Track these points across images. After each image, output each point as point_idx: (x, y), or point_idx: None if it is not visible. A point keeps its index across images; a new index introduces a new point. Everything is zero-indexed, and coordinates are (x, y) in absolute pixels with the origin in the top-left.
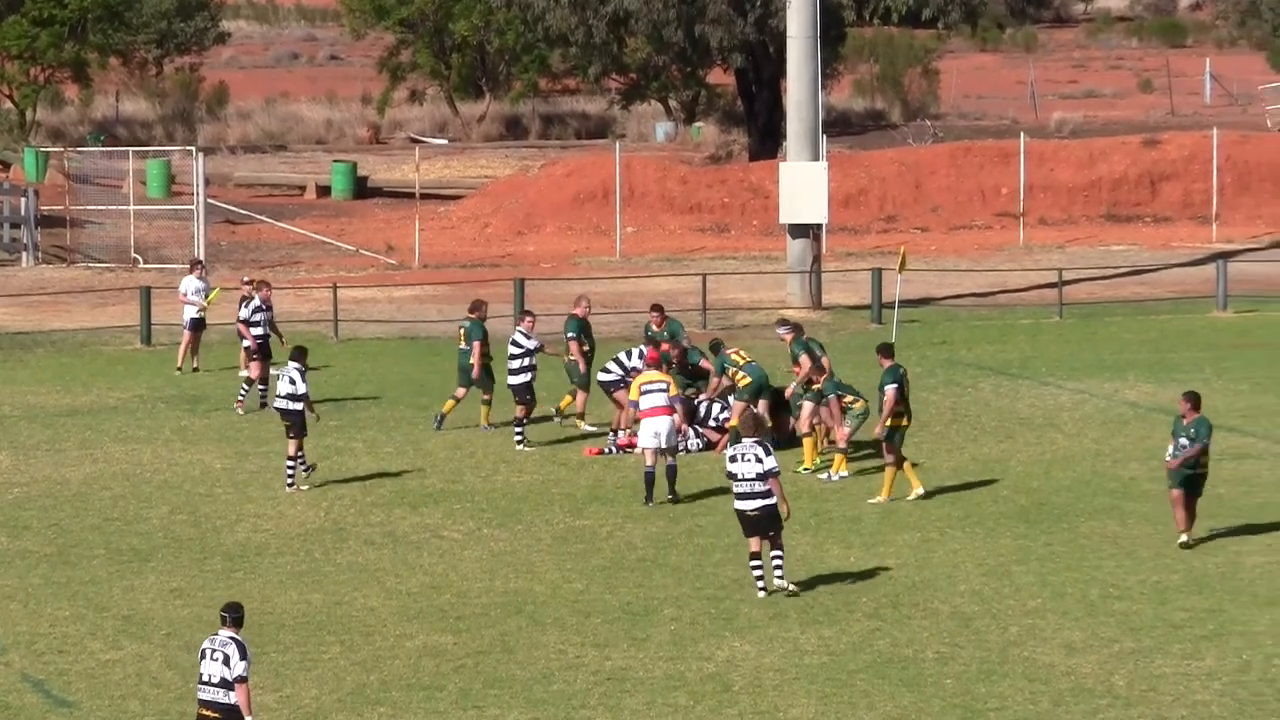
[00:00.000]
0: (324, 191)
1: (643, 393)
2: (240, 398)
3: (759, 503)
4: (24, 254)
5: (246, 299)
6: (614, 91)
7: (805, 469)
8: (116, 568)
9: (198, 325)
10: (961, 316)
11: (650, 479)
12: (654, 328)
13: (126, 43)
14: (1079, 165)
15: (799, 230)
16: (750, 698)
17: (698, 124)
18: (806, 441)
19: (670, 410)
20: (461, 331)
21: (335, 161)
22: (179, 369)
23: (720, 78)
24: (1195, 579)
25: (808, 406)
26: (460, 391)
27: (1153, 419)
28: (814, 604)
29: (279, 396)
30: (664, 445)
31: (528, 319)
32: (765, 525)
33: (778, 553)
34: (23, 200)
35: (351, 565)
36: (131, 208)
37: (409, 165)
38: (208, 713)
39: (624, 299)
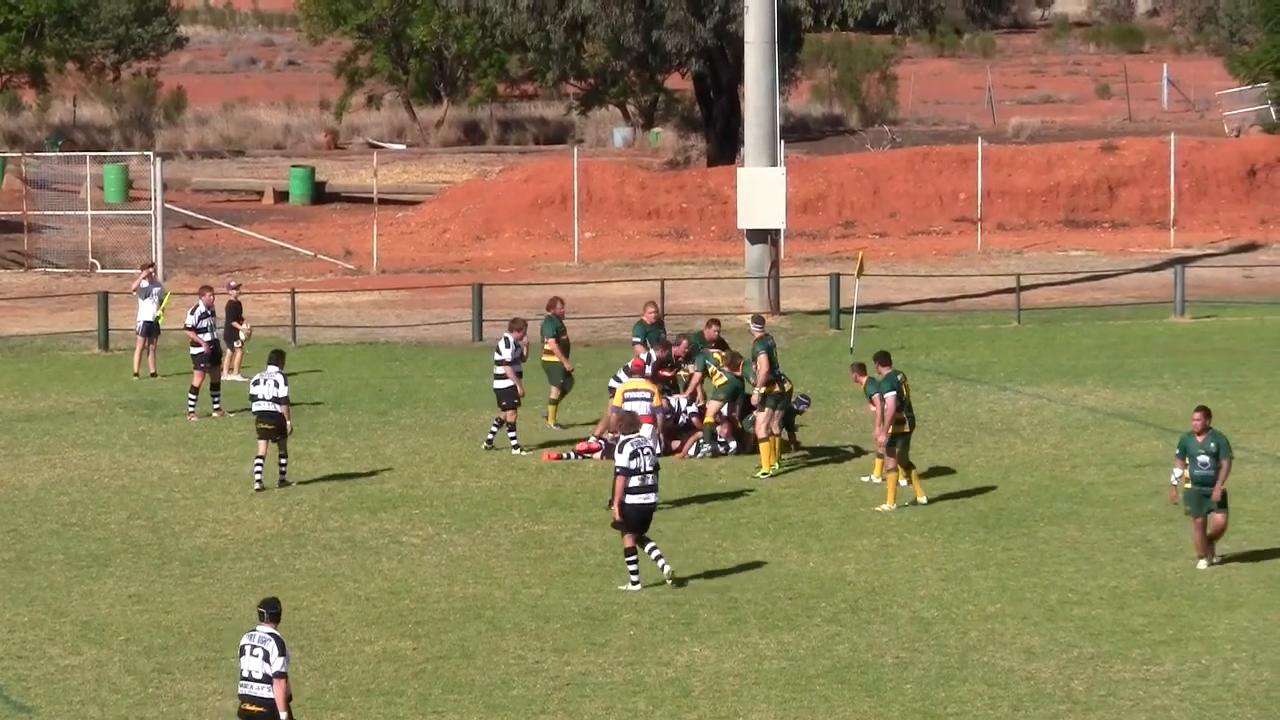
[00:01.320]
0: (282, 197)
1: (626, 400)
2: (190, 408)
3: (655, 497)
4: None
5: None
6: (572, 96)
7: (763, 473)
8: (75, 573)
9: (150, 330)
10: (920, 322)
11: None
12: (707, 337)
13: (84, 48)
14: (1037, 170)
15: (757, 235)
16: (709, 703)
17: (656, 129)
18: (763, 446)
19: (652, 419)
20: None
21: (293, 167)
22: (136, 374)
23: (678, 83)
24: (1154, 584)
25: (765, 411)
26: (554, 392)
27: (1111, 424)
28: (773, 609)
29: (264, 400)
30: None
31: (517, 330)
32: (650, 519)
33: (655, 544)
34: None
35: (310, 570)
36: (89, 213)
37: (367, 170)
38: (250, 707)
39: (582, 304)
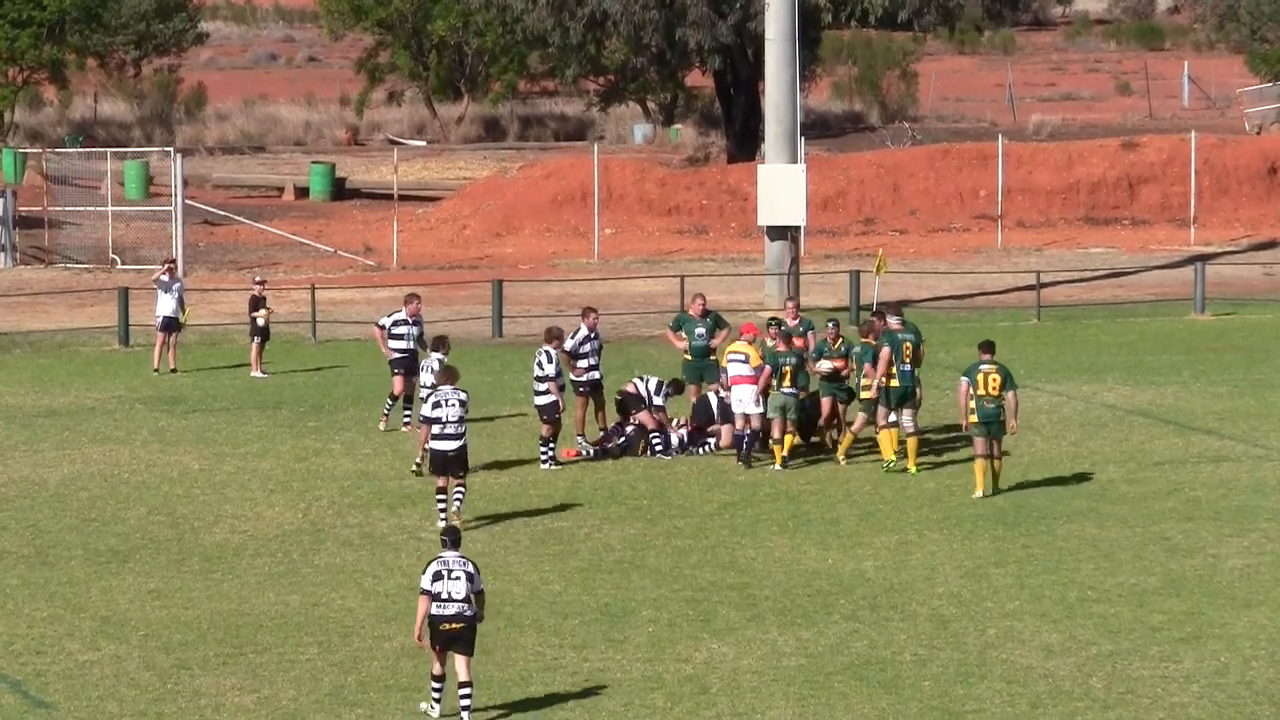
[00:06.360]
0: (302, 193)
1: (730, 361)
2: (385, 412)
3: (458, 444)
4: (2, 255)
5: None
6: (592, 93)
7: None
8: (94, 568)
9: (170, 325)
10: (940, 319)
11: (745, 441)
12: (788, 321)
13: (105, 44)
14: (1057, 168)
15: (777, 232)
16: (728, 699)
17: (676, 126)
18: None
19: (753, 379)
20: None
21: (314, 163)
22: (156, 370)
23: (698, 80)
24: (1173, 581)
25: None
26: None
27: (1131, 421)
28: (792, 606)
29: (423, 387)
30: (750, 411)
31: (555, 341)
32: (457, 465)
33: (461, 488)
34: (0, 201)
35: (329, 566)
36: (110, 209)
37: (387, 167)
38: (454, 625)
39: (601, 301)
